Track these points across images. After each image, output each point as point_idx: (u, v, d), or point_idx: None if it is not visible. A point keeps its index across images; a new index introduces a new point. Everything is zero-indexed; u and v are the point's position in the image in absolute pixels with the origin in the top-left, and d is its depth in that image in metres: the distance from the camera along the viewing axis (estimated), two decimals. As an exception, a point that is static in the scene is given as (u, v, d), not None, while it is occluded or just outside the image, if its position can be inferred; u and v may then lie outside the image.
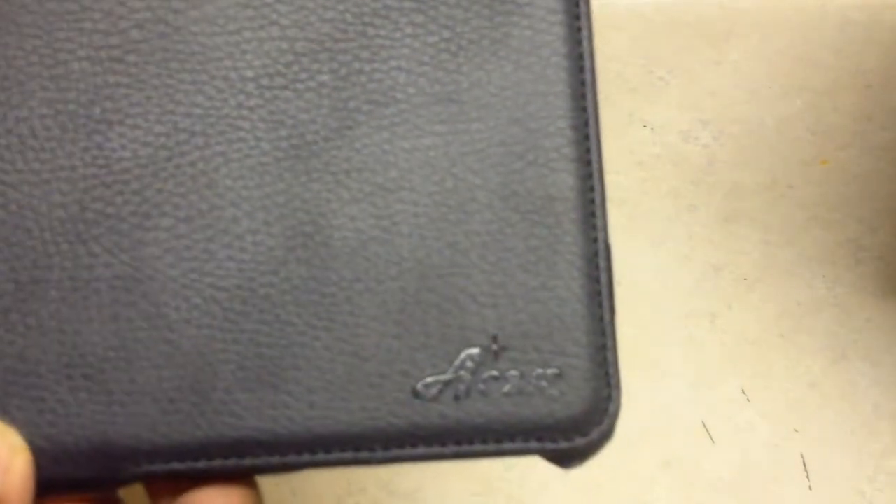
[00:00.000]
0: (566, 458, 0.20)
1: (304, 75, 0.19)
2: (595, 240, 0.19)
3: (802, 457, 0.39)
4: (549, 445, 0.19)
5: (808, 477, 0.38)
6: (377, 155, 0.19)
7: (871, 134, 0.50)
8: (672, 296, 0.44)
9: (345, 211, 0.19)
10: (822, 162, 0.49)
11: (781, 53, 0.53)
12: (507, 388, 0.19)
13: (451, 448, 0.19)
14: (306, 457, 0.19)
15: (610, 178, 0.49)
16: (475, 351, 0.19)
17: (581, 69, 0.20)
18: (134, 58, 0.19)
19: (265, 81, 0.19)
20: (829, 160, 0.49)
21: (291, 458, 0.19)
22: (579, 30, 0.20)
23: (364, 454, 0.19)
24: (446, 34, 0.19)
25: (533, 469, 0.39)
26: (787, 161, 0.49)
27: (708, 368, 0.41)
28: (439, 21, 0.19)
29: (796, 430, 0.39)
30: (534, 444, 0.19)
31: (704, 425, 0.40)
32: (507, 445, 0.19)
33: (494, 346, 0.19)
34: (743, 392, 0.40)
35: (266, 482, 0.38)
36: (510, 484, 0.38)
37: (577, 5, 0.20)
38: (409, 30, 0.19)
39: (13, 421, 0.18)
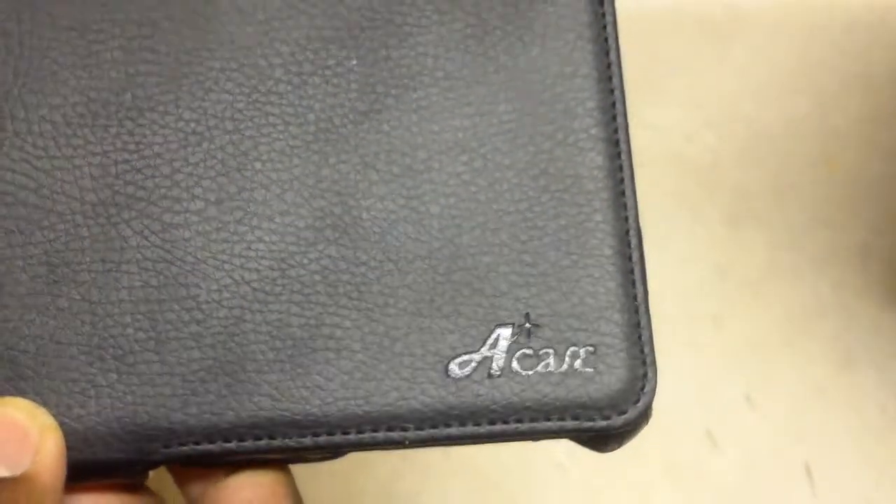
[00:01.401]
0: (604, 439, 0.20)
1: (332, 61, 0.19)
2: (626, 219, 0.20)
3: (807, 462, 0.38)
4: (586, 423, 0.19)
5: (812, 483, 0.38)
6: (405, 137, 0.19)
7: (877, 136, 0.50)
8: (675, 299, 0.43)
9: (373, 191, 0.19)
10: (827, 164, 0.49)
11: (787, 54, 0.53)
12: (540, 366, 0.19)
13: (486, 428, 0.18)
14: (338, 437, 0.19)
15: (613, 180, 0.49)
16: (508, 329, 0.18)
17: (606, 51, 0.20)
18: (164, 47, 0.19)
19: (294, 68, 0.19)
20: (834, 162, 0.49)
21: (323, 439, 0.19)
22: (603, 14, 0.20)
23: (396, 434, 0.18)
24: (472, 20, 0.19)
25: (533, 472, 0.38)
26: (793, 163, 0.48)
27: (711, 372, 0.41)
28: (465, 7, 0.20)
29: (801, 436, 0.39)
30: (570, 423, 0.19)
31: (708, 430, 0.39)
32: (543, 424, 0.19)
33: (527, 325, 0.19)
34: (747, 397, 0.40)
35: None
36: (510, 486, 0.38)
37: None
38: (435, 17, 0.19)
39: (45, 402, 0.18)
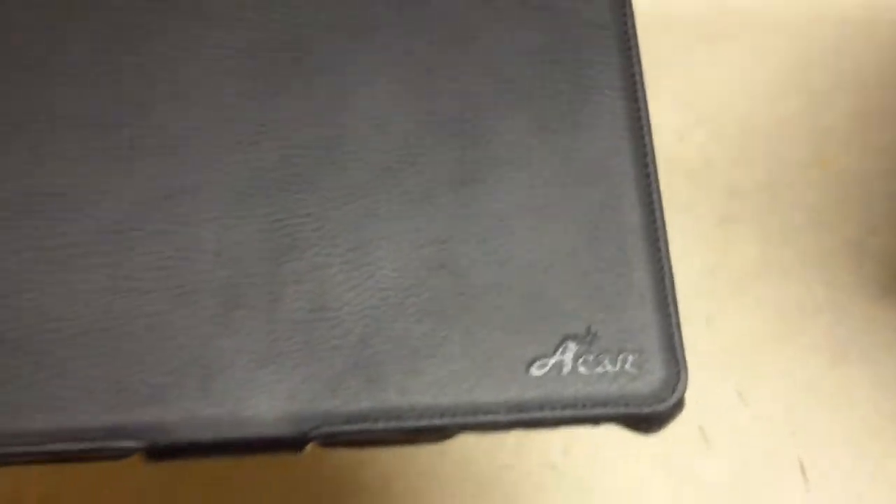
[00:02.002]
0: (647, 423, 0.25)
1: (435, 142, 0.25)
2: (660, 260, 0.25)
3: (800, 459, 0.39)
4: (633, 411, 0.24)
5: (806, 480, 0.38)
6: (492, 201, 0.25)
7: (869, 134, 0.50)
8: (668, 297, 0.43)
9: (470, 241, 0.24)
10: (820, 162, 0.49)
11: (779, 53, 0.53)
12: (598, 368, 0.24)
13: (558, 413, 0.24)
14: (447, 420, 0.24)
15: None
16: (574, 341, 0.24)
17: (641, 135, 0.26)
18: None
19: (413, 139, 0.25)
20: (827, 161, 0.49)
21: (437, 421, 0.24)
22: (638, 108, 0.27)
23: (490, 418, 0.24)
24: (538, 114, 0.25)
25: (528, 472, 0.38)
26: (785, 161, 0.49)
27: (704, 370, 0.41)
28: (532, 110, 0.25)
29: (794, 433, 0.39)
30: (622, 410, 0.24)
31: (701, 428, 0.39)
32: (601, 410, 0.24)
33: (588, 337, 0.24)
34: (739, 394, 0.40)
35: (264, 489, 0.38)
36: (508, 485, 0.38)
37: (635, 85, 0.28)
38: (510, 113, 0.25)
39: (234, 398, 0.23)
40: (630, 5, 0.29)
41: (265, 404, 0.23)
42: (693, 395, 0.40)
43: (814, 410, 0.40)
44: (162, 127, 0.24)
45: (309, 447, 0.24)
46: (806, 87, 0.52)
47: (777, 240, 0.45)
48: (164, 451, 0.22)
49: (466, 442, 0.39)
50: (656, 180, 0.26)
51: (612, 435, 0.39)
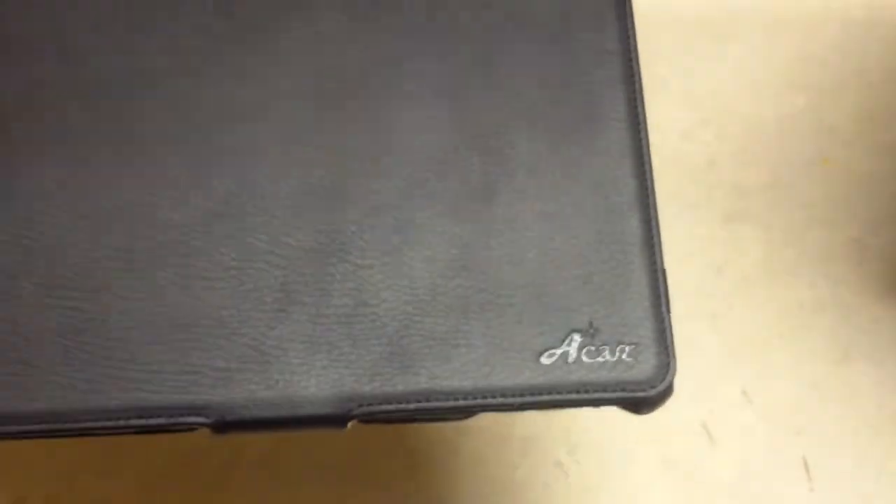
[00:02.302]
0: (641, 406, 0.28)
1: (461, 158, 0.28)
2: (654, 263, 0.28)
3: (804, 458, 0.39)
4: (630, 394, 0.27)
5: (809, 478, 0.38)
6: (511, 210, 0.28)
7: (873, 133, 0.50)
8: (673, 296, 0.43)
9: (491, 244, 0.28)
10: (824, 161, 0.49)
11: (783, 52, 0.53)
12: (600, 357, 0.27)
13: (564, 396, 0.27)
14: (470, 401, 0.27)
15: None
16: (579, 333, 0.27)
17: (640, 150, 0.30)
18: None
19: (442, 157, 0.28)
20: (831, 159, 0.49)
21: (461, 403, 0.27)
22: (640, 138, 0.30)
23: (507, 400, 0.27)
24: (554, 136, 0.29)
25: (533, 470, 0.39)
26: (789, 160, 0.49)
27: (709, 369, 0.41)
28: (546, 131, 0.29)
29: (798, 432, 0.39)
30: (619, 394, 0.27)
31: (705, 426, 0.40)
32: (602, 394, 0.27)
33: (591, 330, 0.28)
34: (744, 393, 0.40)
35: (263, 489, 0.38)
36: (511, 485, 0.38)
37: (636, 108, 0.31)
38: (527, 133, 0.29)
39: (284, 380, 0.27)
40: (634, 34, 0.32)
41: (315, 387, 0.27)
42: (698, 393, 0.41)
43: (818, 409, 0.40)
44: (230, 145, 0.28)
45: (350, 424, 0.27)
46: (811, 87, 0.52)
47: (781, 239, 0.45)
48: (229, 425, 0.26)
49: (473, 441, 0.39)
50: (653, 194, 0.29)
51: (618, 433, 0.40)
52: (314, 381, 0.27)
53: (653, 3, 0.56)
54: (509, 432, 0.39)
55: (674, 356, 0.28)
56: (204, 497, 0.38)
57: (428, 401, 0.27)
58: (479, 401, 0.27)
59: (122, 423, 0.26)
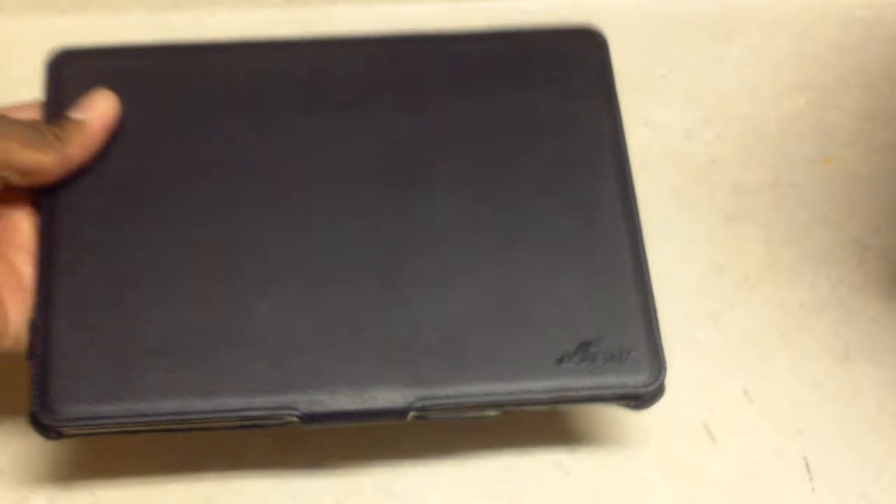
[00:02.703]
0: (638, 403, 0.34)
1: (488, 218, 0.36)
2: (646, 289, 0.35)
3: (805, 458, 0.39)
4: (629, 391, 0.34)
5: (811, 478, 0.38)
6: (528, 257, 0.36)
7: (874, 132, 0.50)
8: (674, 296, 0.43)
9: (516, 281, 0.35)
10: (825, 161, 0.49)
11: (784, 51, 0.53)
12: (605, 363, 0.34)
13: (577, 393, 0.34)
14: (502, 398, 0.33)
15: (611, 177, 0.48)
16: (589, 343, 0.34)
17: (632, 213, 0.36)
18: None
19: (473, 216, 0.36)
20: (832, 159, 0.49)
21: (495, 399, 0.34)
22: (627, 190, 0.37)
23: (526, 397, 0.33)
24: (557, 199, 0.36)
25: (534, 470, 0.38)
26: (790, 160, 0.49)
27: (710, 369, 0.41)
28: (554, 196, 0.36)
29: (799, 431, 0.39)
30: (620, 391, 0.34)
31: (706, 426, 0.40)
32: (605, 391, 0.34)
33: (599, 341, 0.34)
34: (745, 393, 0.40)
35: (263, 487, 0.38)
36: (510, 485, 0.38)
37: (626, 182, 0.37)
38: (538, 200, 0.36)
39: (330, 384, 0.34)
40: (618, 109, 0.38)
41: (383, 388, 0.33)
42: (699, 393, 0.41)
43: (819, 409, 0.40)
44: (318, 209, 0.36)
45: (409, 416, 0.34)
46: (811, 85, 0.52)
47: (782, 238, 0.45)
48: (315, 418, 0.33)
49: (472, 440, 0.39)
50: (642, 239, 0.36)
51: (618, 433, 0.40)
52: (382, 384, 0.33)
53: (653, 2, 0.56)
54: (510, 432, 0.39)
55: (664, 360, 0.34)
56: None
57: (469, 398, 0.33)
58: (511, 398, 0.33)
59: (233, 415, 0.33)
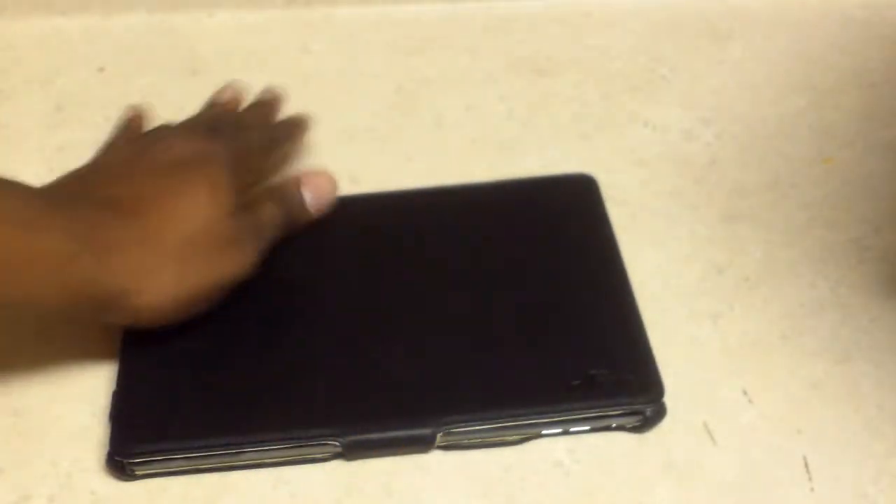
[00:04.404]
0: (642, 426, 0.39)
1: (505, 309, 0.42)
2: (641, 327, 0.41)
3: (805, 458, 0.39)
4: (634, 410, 0.39)
5: (810, 478, 0.38)
6: (547, 325, 0.42)
7: (874, 133, 0.50)
8: (674, 296, 0.43)
9: (536, 326, 0.42)
10: (824, 161, 0.49)
11: (784, 52, 0.53)
12: (611, 388, 0.39)
13: (588, 413, 0.39)
14: (524, 420, 0.39)
15: (611, 178, 0.49)
16: (597, 370, 0.39)
17: (628, 297, 0.42)
18: None
19: (494, 309, 0.43)
20: (831, 159, 0.49)
21: (516, 422, 0.39)
22: (623, 290, 0.43)
23: (551, 418, 0.39)
24: (563, 296, 0.43)
25: (533, 470, 0.38)
26: (790, 160, 0.49)
27: (710, 369, 0.41)
28: (560, 296, 0.43)
29: (799, 432, 0.39)
30: (626, 409, 0.39)
31: (706, 426, 0.40)
32: (614, 411, 0.39)
33: (606, 369, 0.39)
34: (745, 393, 0.40)
35: (263, 487, 0.38)
36: (510, 485, 0.38)
37: (625, 283, 0.43)
38: (545, 291, 0.43)
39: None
40: (612, 233, 0.44)
41: (410, 417, 0.39)
42: (699, 393, 0.41)
43: (819, 409, 0.40)
44: (384, 319, 0.42)
45: (436, 441, 0.38)
46: (811, 86, 0.52)
47: (782, 239, 0.45)
48: (356, 446, 0.38)
49: (471, 440, 0.39)
50: (636, 306, 0.41)
51: (618, 433, 0.40)
52: (410, 412, 0.39)
53: (653, 2, 0.56)
54: (510, 432, 0.39)
55: (662, 384, 0.39)
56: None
57: (492, 421, 0.38)
58: (532, 419, 0.39)
59: (279, 438, 0.38)
